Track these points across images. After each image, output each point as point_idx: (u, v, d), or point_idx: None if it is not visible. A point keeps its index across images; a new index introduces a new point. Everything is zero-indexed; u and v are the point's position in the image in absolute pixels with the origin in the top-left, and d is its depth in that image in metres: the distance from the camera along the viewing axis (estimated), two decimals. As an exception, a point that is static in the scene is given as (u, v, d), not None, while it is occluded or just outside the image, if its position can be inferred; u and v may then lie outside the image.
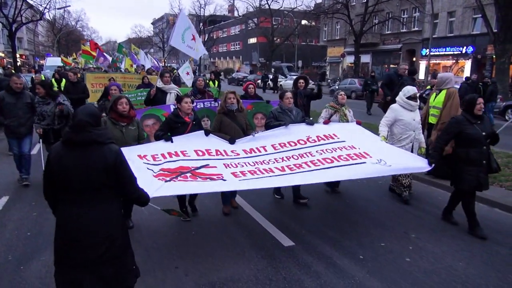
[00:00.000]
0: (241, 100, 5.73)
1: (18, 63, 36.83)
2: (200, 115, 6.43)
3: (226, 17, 69.66)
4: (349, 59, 39.98)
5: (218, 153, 4.82)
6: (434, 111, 6.77)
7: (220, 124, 5.43)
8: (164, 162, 4.32)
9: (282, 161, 4.79)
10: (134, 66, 22.40)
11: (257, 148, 5.05)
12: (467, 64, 28.85)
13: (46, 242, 4.60)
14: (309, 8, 44.59)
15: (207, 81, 17.42)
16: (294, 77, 36.86)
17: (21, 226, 5.13)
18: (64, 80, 12.70)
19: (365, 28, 33.02)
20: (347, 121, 6.19)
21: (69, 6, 44.21)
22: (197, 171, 4.28)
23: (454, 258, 4.33)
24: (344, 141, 5.29)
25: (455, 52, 29.57)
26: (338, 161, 4.76)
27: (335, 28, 45.12)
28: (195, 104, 6.67)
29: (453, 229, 5.10)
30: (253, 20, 52.88)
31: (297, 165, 4.66)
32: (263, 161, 4.75)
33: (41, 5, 35.84)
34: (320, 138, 5.34)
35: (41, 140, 6.91)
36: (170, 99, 7.35)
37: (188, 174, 4.17)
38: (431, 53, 26.03)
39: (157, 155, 4.42)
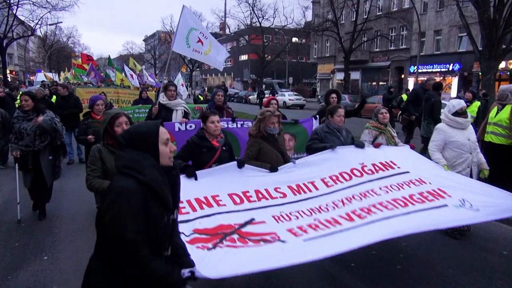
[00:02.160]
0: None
1: (8, 79, 36.63)
2: None
3: (218, 35, 70.17)
4: (339, 76, 40.55)
5: (260, 196, 3.73)
6: (496, 129, 5.87)
7: (259, 151, 4.31)
8: (196, 218, 3.26)
9: (344, 205, 3.75)
10: (133, 81, 20.99)
11: (305, 185, 3.99)
12: (454, 81, 29.48)
13: (34, 253, 4.56)
14: (299, 26, 45.34)
15: (198, 97, 17.35)
16: (286, 93, 37.12)
17: (9, 237, 5.08)
18: (54, 96, 12.58)
19: (354, 46, 33.67)
20: (395, 144, 5.28)
21: (61, 22, 44.24)
22: (243, 229, 3.24)
23: (444, 265, 4.36)
24: (407, 172, 4.34)
25: (442, 69, 30.24)
26: (412, 203, 3.74)
27: (325, 45, 45.87)
28: None
29: (443, 238, 5.14)
30: (244, 37, 53.55)
31: (365, 210, 3.64)
32: (319, 207, 3.70)
33: (32, 21, 35.94)
34: (377, 168, 4.38)
35: (16, 165, 5.70)
36: (177, 117, 6.22)
37: (235, 236, 3.11)
38: (419, 70, 26.58)
39: (181, 203, 3.10)
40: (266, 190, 3.81)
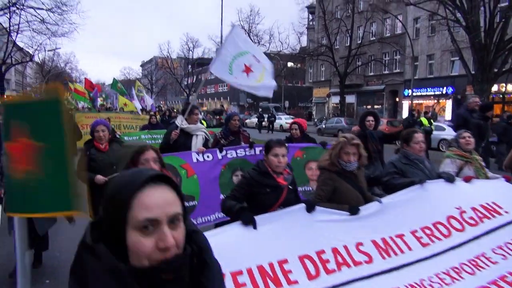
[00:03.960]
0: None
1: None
2: (233, 167, 4.91)
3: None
4: (335, 100, 41.06)
5: (340, 260, 2.73)
6: None
7: (334, 190, 3.42)
8: None
9: (453, 281, 2.72)
10: (139, 106, 20.08)
11: (393, 240, 2.96)
12: (448, 104, 29.90)
13: (34, 277, 4.49)
14: (294, 51, 46.16)
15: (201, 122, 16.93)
16: (283, 117, 37.31)
17: (9, 261, 4.97)
18: None
19: (349, 70, 34.31)
20: (486, 176, 4.26)
21: (60, 48, 44.69)
22: None
23: None
24: None
25: (436, 93, 30.71)
26: None
27: (320, 69, 46.60)
28: (224, 152, 5.01)
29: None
30: (240, 63, 54.19)
31: None
32: (421, 283, 2.68)
33: (31, 47, 36.40)
34: (479, 215, 3.32)
35: (1, 207, 4.55)
36: (197, 144, 5.46)
37: None
38: (413, 94, 26.99)
39: (240, 273, 2.37)
40: (346, 248, 2.80)
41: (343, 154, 3.37)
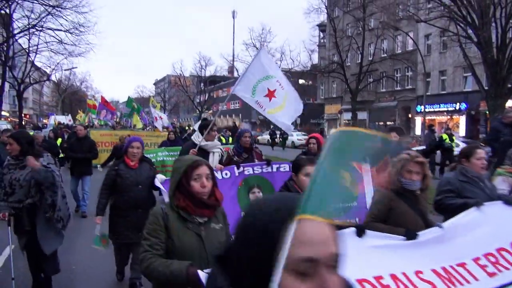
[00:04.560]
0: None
1: (23, 122, 37.66)
2: (249, 184, 4.78)
3: (226, 77, 72.21)
4: (347, 116, 40.98)
5: (401, 286, 2.47)
6: None
7: (389, 211, 3.12)
8: None
9: None
10: (158, 124, 19.69)
11: (455, 270, 2.66)
12: (462, 120, 29.63)
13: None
14: (306, 68, 46.46)
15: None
16: (294, 133, 37.33)
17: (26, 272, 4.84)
18: (60, 139, 12.06)
19: (360, 87, 34.33)
20: None
21: (76, 68, 45.76)
22: None
23: None
24: None
25: (449, 109, 30.48)
26: None
27: (331, 86, 46.71)
28: (241, 169, 4.95)
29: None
30: (252, 80, 54.66)
31: None
32: None
33: (49, 67, 37.38)
34: None
35: (9, 229, 4.21)
36: (214, 161, 5.35)
37: None
38: (426, 110, 26.85)
39: None
40: (406, 276, 2.49)
41: (405, 172, 3.07)
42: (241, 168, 4.92)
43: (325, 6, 38.01)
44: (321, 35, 47.30)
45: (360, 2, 33.21)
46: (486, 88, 19.74)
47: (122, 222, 4.50)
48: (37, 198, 4.10)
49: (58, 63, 34.33)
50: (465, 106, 28.97)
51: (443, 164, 14.66)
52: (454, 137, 16.54)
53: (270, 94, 5.40)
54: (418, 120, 31.48)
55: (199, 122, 10.26)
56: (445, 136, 15.84)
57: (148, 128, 18.56)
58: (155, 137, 12.66)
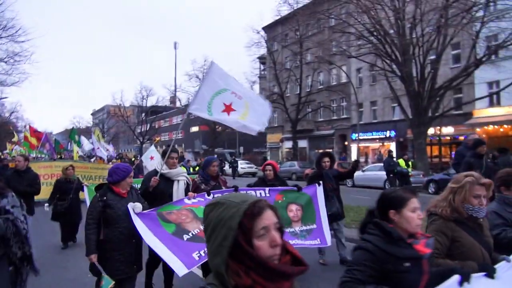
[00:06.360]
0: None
1: None
2: None
3: (168, 107, 71.77)
4: (288, 144, 42.44)
5: None
6: None
7: (452, 243, 2.60)
8: None
9: None
10: (100, 154, 19.41)
11: None
12: (392, 146, 31.99)
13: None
14: (247, 98, 47.60)
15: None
16: (238, 162, 37.41)
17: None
18: None
19: (300, 116, 36.07)
20: None
21: (7, 98, 42.89)
22: None
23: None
24: None
25: (381, 136, 32.86)
26: None
27: (272, 116, 48.18)
28: (211, 196, 4.85)
29: None
30: (195, 110, 54.83)
31: None
32: None
33: (-25, 97, 35.00)
34: None
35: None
36: (179, 190, 5.11)
37: None
38: (360, 137, 28.81)
39: None
40: None
41: (472, 198, 2.59)
42: (212, 195, 4.83)
43: (265, 40, 39.94)
44: (262, 67, 49.17)
45: (296, 37, 35.34)
46: (410, 117, 21.74)
47: (118, 256, 4.02)
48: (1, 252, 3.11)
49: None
50: (394, 133, 31.46)
51: None
52: (410, 162, 17.80)
53: (228, 109, 5.14)
54: (354, 147, 33.50)
55: (150, 151, 10.10)
56: (401, 161, 16.82)
57: (93, 159, 18.03)
58: (101, 170, 12.17)
